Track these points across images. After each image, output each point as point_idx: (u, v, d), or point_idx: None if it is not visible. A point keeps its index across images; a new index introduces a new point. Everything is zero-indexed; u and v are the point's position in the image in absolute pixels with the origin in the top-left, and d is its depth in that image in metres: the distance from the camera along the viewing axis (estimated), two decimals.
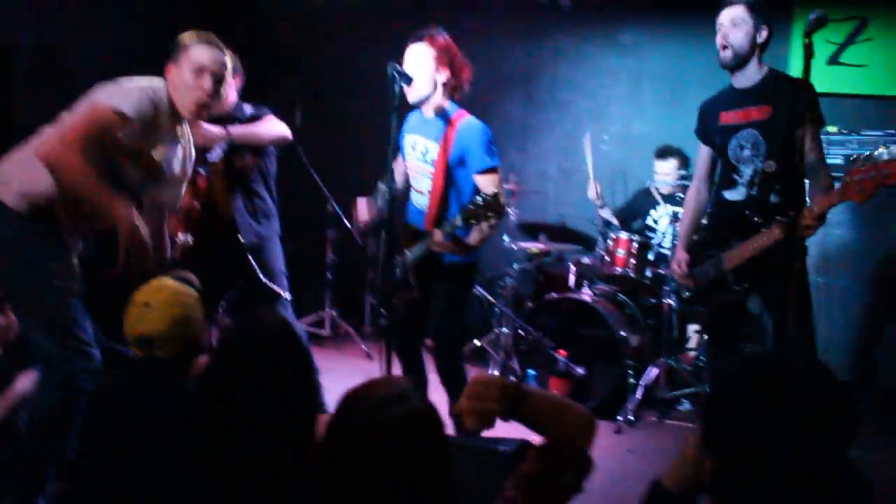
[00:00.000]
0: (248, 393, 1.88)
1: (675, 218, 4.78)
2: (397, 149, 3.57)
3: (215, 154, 4.02)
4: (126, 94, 2.79)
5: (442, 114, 3.55)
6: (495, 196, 3.10)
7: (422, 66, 3.48)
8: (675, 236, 4.79)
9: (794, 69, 5.61)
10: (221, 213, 4.11)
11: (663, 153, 5.46)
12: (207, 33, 3.00)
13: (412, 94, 3.50)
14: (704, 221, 3.78)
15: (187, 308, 2.47)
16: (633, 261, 4.88)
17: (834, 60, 5.62)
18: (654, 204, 5.42)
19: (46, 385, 2.85)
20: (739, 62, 3.43)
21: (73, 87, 3.01)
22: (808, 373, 1.35)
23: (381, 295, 3.54)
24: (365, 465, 1.38)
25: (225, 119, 4.02)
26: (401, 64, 3.42)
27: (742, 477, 1.30)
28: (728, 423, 1.34)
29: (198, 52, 2.92)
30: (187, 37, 2.96)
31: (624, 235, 4.96)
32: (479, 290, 4.98)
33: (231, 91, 4.08)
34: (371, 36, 6.24)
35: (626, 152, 6.20)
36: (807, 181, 3.42)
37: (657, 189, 5.41)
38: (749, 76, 3.48)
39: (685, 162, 5.44)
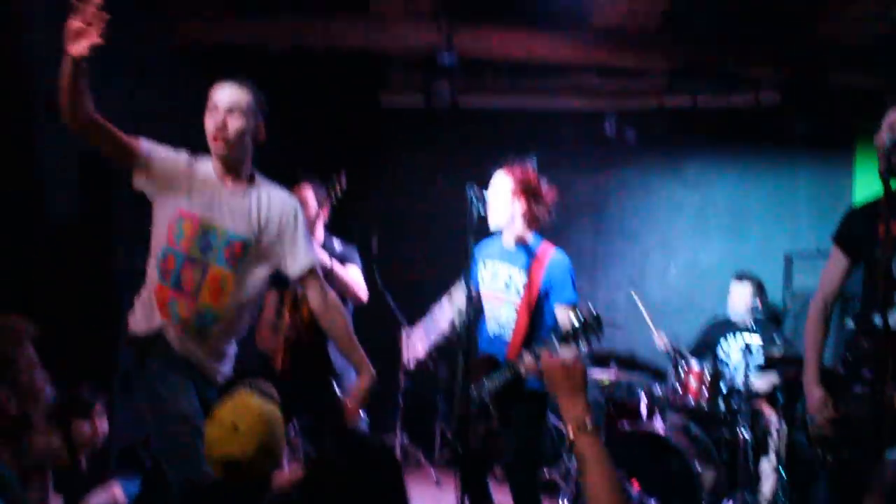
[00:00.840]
0: None
1: (747, 349, 4.78)
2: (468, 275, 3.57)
3: None
4: None
5: (525, 245, 3.69)
6: (596, 316, 3.19)
7: (500, 196, 3.64)
8: (746, 367, 4.79)
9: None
10: (311, 334, 4.24)
11: (741, 276, 5.46)
12: (235, 77, 3.04)
13: (492, 222, 3.64)
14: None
15: (275, 433, 2.42)
16: (705, 391, 4.87)
17: None
18: (725, 333, 5.42)
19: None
20: None
21: None
22: None
23: (457, 422, 3.55)
24: None
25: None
26: (480, 187, 3.53)
27: None
28: None
29: (212, 92, 3.00)
30: None
31: (696, 366, 4.96)
32: (550, 418, 5.00)
33: (318, 225, 4.26)
34: (448, 162, 6.47)
35: (694, 282, 6.28)
36: None
37: (728, 319, 5.43)
38: None
39: (760, 289, 5.46)
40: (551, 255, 3.68)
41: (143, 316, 2.99)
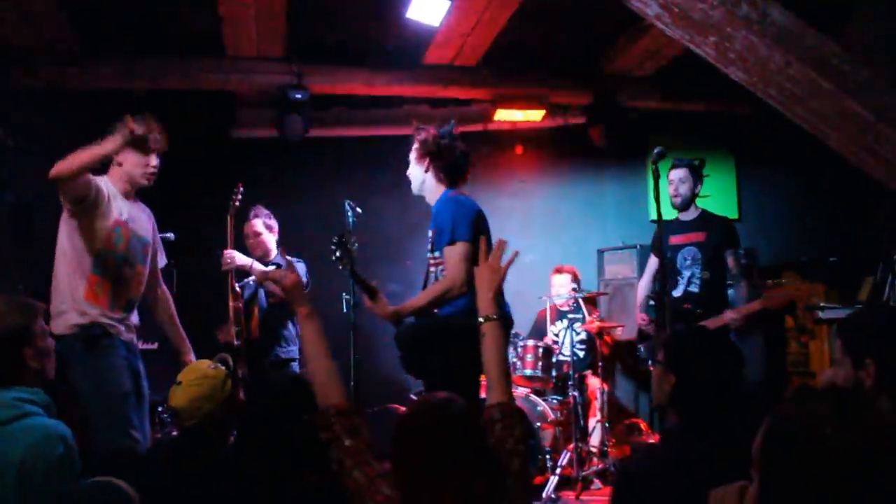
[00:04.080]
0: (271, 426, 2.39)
1: (570, 327, 5.78)
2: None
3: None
4: None
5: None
6: None
7: (412, 165, 3.87)
8: (572, 344, 5.78)
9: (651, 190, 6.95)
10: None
11: (560, 269, 6.49)
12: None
13: (414, 188, 3.87)
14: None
15: (209, 388, 2.82)
16: (540, 363, 5.81)
17: None
18: (552, 320, 6.41)
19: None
20: (685, 205, 5.10)
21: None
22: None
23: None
24: (437, 446, 1.85)
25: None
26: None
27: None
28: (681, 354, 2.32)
29: (151, 138, 3.73)
30: None
31: (530, 342, 5.89)
32: None
33: (268, 239, 5.21)
34: (301, 185, 7.13)
35: (520, 278, 7.21)
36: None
37: (552, 306, 6.39)
38: (689, 213, 5.14)
39: (576, 278, 6.47)
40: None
41: (75, 311, 3.60)
